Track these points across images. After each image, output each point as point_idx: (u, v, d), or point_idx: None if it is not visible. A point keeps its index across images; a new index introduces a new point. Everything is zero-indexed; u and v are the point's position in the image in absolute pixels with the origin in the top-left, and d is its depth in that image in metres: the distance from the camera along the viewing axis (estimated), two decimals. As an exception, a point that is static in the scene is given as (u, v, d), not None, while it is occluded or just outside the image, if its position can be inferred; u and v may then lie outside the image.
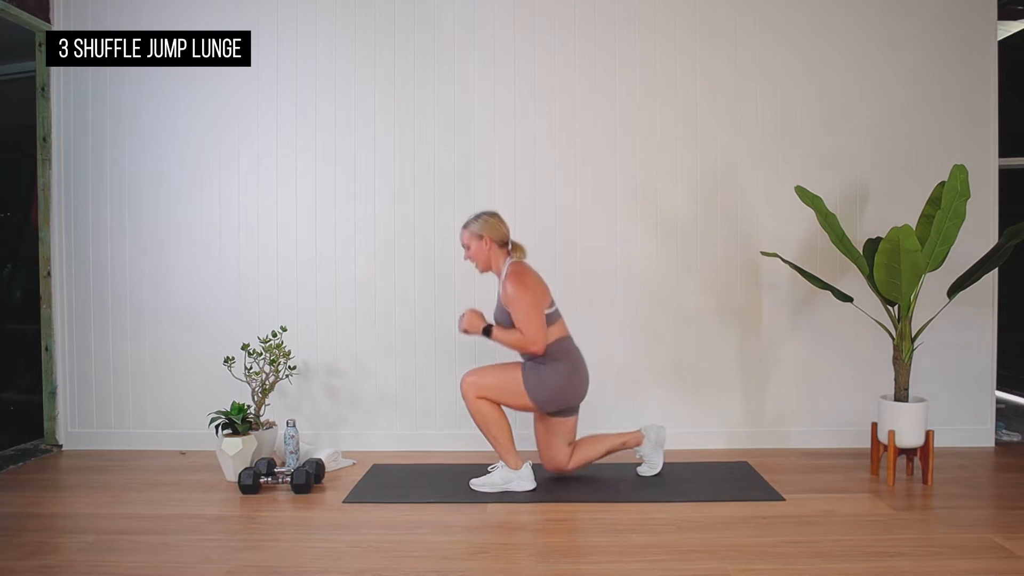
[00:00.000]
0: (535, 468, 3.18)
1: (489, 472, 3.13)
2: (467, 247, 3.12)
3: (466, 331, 3.09)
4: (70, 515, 2.88)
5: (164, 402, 3.83)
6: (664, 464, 3.42)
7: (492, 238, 3.06)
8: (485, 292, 3.77)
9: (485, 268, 3.13)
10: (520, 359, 3.15)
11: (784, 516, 2.80)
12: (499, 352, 3.66)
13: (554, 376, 3.01)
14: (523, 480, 3.09)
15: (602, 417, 3.68)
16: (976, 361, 3.79)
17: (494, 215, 3.12)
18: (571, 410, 3.15)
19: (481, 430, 3.10)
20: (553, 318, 3.04)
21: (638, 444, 3.26)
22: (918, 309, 3.36)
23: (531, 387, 3.00)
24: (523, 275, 3.00)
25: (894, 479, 3.18)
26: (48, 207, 3.84)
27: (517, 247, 3.14)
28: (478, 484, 3.11)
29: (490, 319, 3.15)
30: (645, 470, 3.27)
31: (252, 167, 3.80)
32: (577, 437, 3.24)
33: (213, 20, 3.76)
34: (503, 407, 3.07)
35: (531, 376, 3.02)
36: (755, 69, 3.75)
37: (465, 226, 3.13)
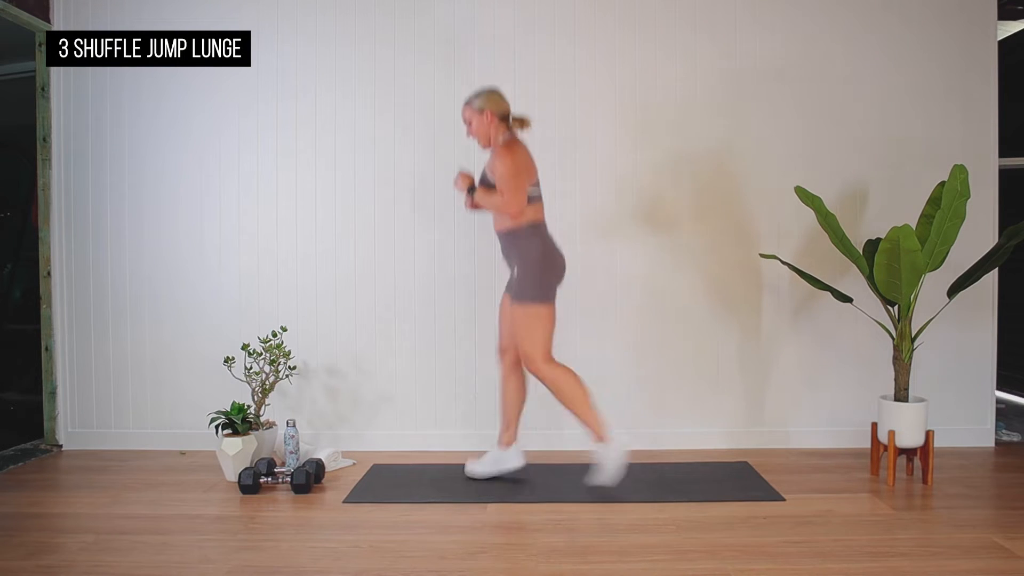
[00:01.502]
0: (540, 469, 3.18)
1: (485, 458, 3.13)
2: (468, 123, 3.12)
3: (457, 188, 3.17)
4: (70, 515, 2.88)
5: (164, 402, 3.83)
6: (664, 464, 3.43)
7: (493, 112, 3.06)
8: (485, 291, 3.77)
9: (486, 144, 3.13)
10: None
11: (784, 516, 2.80)
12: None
13: (529, 260, 2.99)
14: (513, 458, 3.17)
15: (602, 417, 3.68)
16: (976, 361, 3.79)
17: (495, 90, 3.12)
18: (543, 295, 3.03)
19: (565, 405, 3.06)
20: (534, 199, 3.04)
21: (600, 440, 3.03)
22: (918, 309, 3.36)
23: (523, 296, 2.99)
24: (513, 147, 3.01)
25: (894, 479, 3.18)
26: (48, 207, 3.85)
27: (519, 120, 3.13)
28: (471, 471, 3.19)
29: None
30: (478, 467, 3.22)
31: (252, 166, 3.80)
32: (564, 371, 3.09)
33: (213, 20, 3.76)
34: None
35: (517, 292, 3.01)
36: (754, 69, 3.75)
37: (467, 102, 3.12)
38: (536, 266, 3.01)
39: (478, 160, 3.73)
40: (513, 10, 3.75)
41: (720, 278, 3.78)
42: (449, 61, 3.76)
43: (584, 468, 3.25)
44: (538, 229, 3.06)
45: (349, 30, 3.77)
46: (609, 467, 3.03)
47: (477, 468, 3.25)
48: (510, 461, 3.23)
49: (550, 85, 3.75)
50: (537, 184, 3.07)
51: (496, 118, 3.07)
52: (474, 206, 3.21)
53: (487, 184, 3.07)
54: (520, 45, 3.75)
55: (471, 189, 3.11)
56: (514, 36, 3.75)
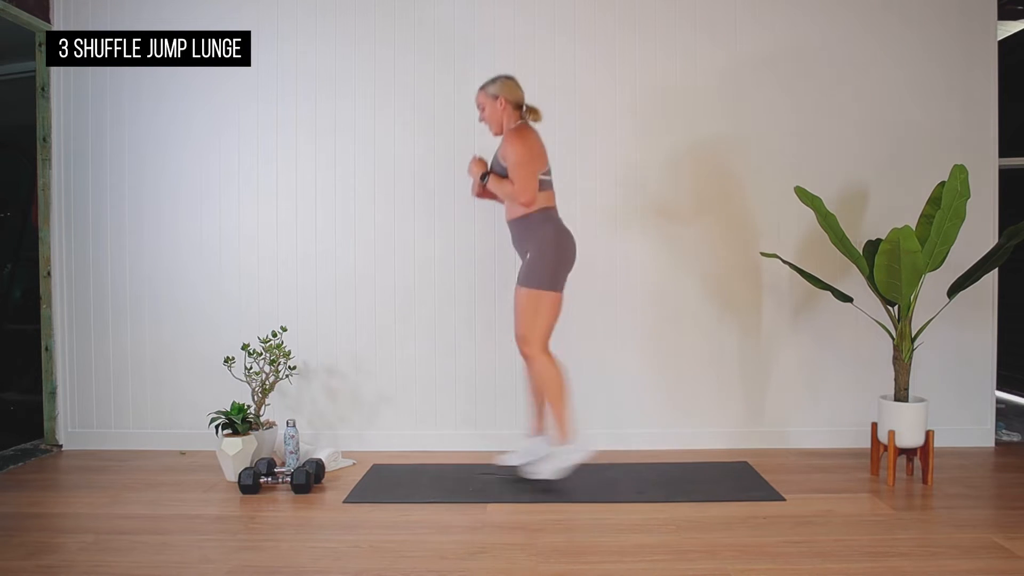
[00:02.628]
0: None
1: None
2: (482, 108, 3.13)
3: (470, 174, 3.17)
4: (70, 515, 2.88)
5: (164, 402, 3.83)
6: (664, 464, 3.43)
7: (507, 99, 3.07)
8: (485, 290, 3.77)
9: (498, 130, 3.13)
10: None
11: (784, 516, 2.80)
12: (499, 349, 3.66)
13: (542, 246, 2.99)
14: (539, 447, 3.15)
15: (603, 417, 3.69)
16: (976, 361, 3.79)
17: (511, 78, 3.12)
18: (552, 283, 3.01)
19: (545, 394, 3.07)
20: (545, 185, 3.05)
21: (562, 440, 3.02)
22: (918, 309, 3.36)
23: (532, 280, 2.98)
24: (524, 133, 3.01)
25: (894, 479, 3.18)
26: (48, 207, 3.84)
27: (532, 110, 3.13)
28: (505, 459, 3.20)
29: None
30: (533, 469, 3.10)
31: (252, 166, 3.80)
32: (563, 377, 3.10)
33: (213, 20, 3.76)
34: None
35: (526, 277, 3.01)
36: (754, 68, 3.75)
37: (482, 87, 3.12)
38: (550, 252, 3.00)
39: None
40: (513, 9, 3.75)
41: (720, 278, 3.78)
42: (449, 60, 3.76)
43: (584, 468, 3.24)
44: (550, 215, 3.06)
45: (349, 30, 3.77)
46: (557, 465, 3.04)
47: (510, 460, 3.24)
48: (539, 449, 3.20)
49: (550, 84, 3.74)
50: (549, 171, 3.08)
51: (510, 105, 3.07)
52: (482, 194, 3.22)
53: (498, 171, 3.07)
54: (520, 44, 3.75)
55: (484, 176, 3.10)
56: (514, 36, 3.75)
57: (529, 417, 3.29)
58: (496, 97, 3.07)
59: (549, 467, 3.07)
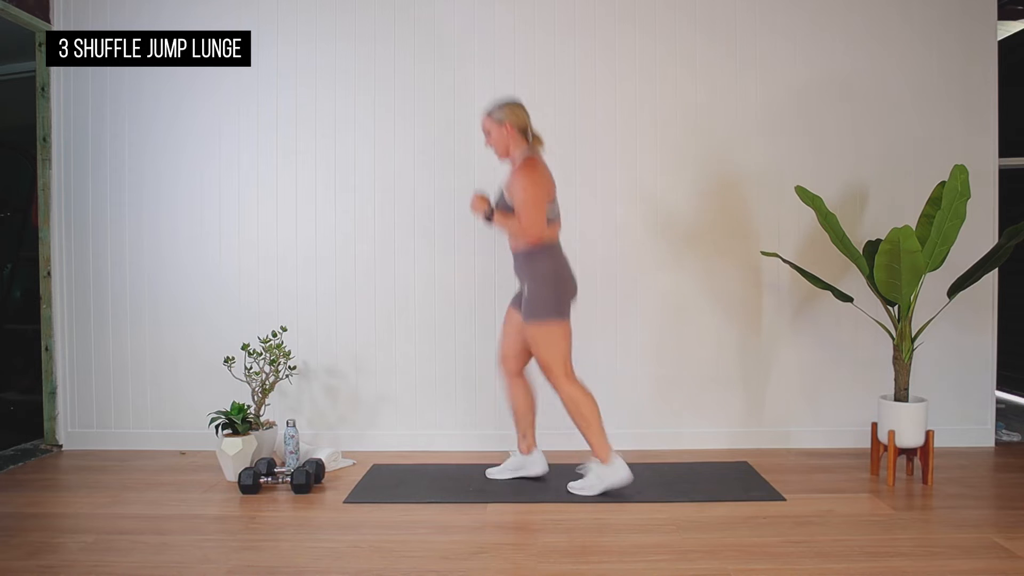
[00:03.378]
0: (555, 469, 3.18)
1: (582, 474, 3.11)
2: (488, 133, 3.11)
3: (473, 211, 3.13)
4: (70, 515, 2.88)
5: (164, 402, 3.83)
6: (665, 464, 3.43)
7: (513, 125, 3.05)
8: (485, 290, 3.77)
9: (504, 155, 3.11)
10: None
11: (784, 516, 2.80)
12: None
13: (543, 280, 2.99)
14: (535, 465, 3.19)
15: (602, 417, 3.68)
16: (976, 361, 3.79)
17: (517, 103, 3.11)
18: (557, 312, 3.01)
19: (509, 406, 3.16)
20: (552, 219, 3.03)
21: (602, 459, 3.03)
22: (918, 309, 3.36)
23: (539, 313, 2.97)
24: (532, 168, 2.99)
25: (894, 479, 3.18)
26: (48, 207, 3.84)
27: (537, 138, 3.12)
28: (493, 472, 3.24)
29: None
30: (579, 487, 3.06)
31: (252, 165, 3.80)
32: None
33: (213, 20, 3.76)
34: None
35: (531, 311, 2.99)
36: (755, 68, 3.75)
37: (488, 113, 3.10)
38: (546, 285, 2.99)
39: (478, 157, 3.74)
40: (513, 9, 3.75)
41: (720, 278, 3.78)
42: (449, 59, 3.76)
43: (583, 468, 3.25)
44: (552, 250, 3.04)
45: (349, 29, 3.76)
46: (595, 483, 3.03)
47: (498, 475, 3.26)
48: (533, 467, 3.22)
49: (552, 84, 3.75)
50: (555, 201, 3.06)
51: (516, 131, 3.05)
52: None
53: (505, 203, 3.05)
54: (521, 43, 3.75)
55: (488, 215, 3.05)
56: (514, 35, 3.75)
57: (518, 437, 3.25)
58: (502, 123, 3.05)
59: (595, 485, 3.04)
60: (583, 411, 3.01)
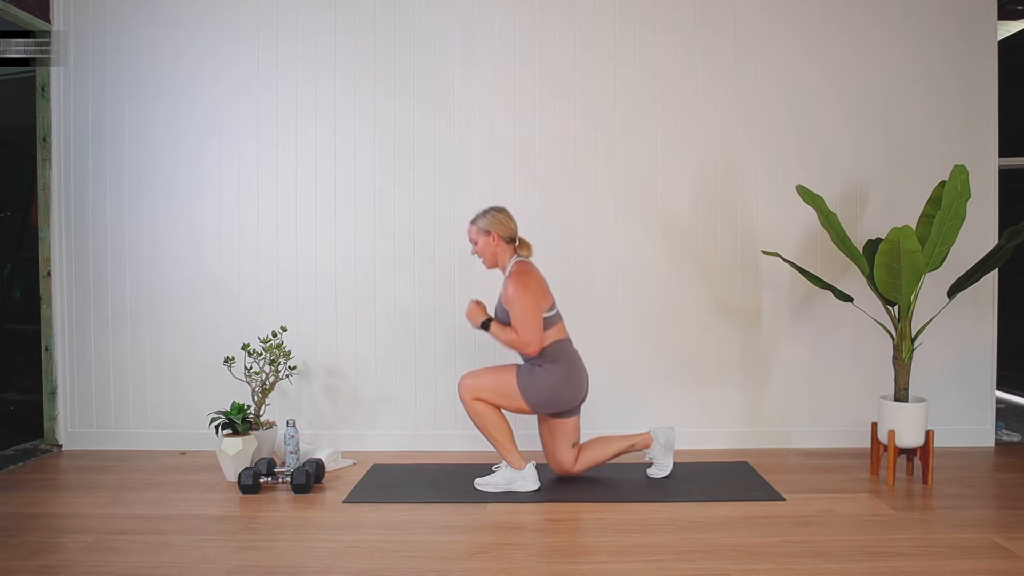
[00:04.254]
0: (541, 468, 3.19)
1: (493, 472, 3.14)
2: (474, 242, 3.11)
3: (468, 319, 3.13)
4: (70, 515, 2.88)
5: (164, 402, 3.83)
6: (665, 464, 3.44)
7: (499, 234, 3.06)
8: (484, 291, 3.77)
9: (492, 264, 3.13)
10: (518, 359, 3.15)
11: (784, 516, 2.80)
12: (499, 352, 3.67)
13: (548, 378, 3.01)
14: (526, 480, 3.08)
15: (602, 418, 3.68)
16: (976, 361, 3.79)
17: (502, 211, 3.11)
18: (570, 412, 3.14)
19: (481, 431, 3.10)
20: (552, 321, 3.04)
21: (647, 446, 3.24)
22: (918, 309, 3.36)
23: (525, 389, 3.00)
24: (525, 276, 2.99)
25: (894, 479, 3.18)
26: (48, 207, 3.84)
27: (524, 244, 3.13)
28: (482, 484, 3.12)
29: (492, 313, 3.15)
30: (655, 472, 3.23)
31: (252, 164, 3.80)
32: (583, 439, 3.23)
33: (213, 15, 3.76)
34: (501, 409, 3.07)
35: (525, 378, 3.01)
36: (755, 68, 3.75)
37: (473, 221, 3.12)
38: (554, 388, 3.01)
39: (480, 156, 3.74)
40: (513, 3, 3.74)
41: (720, 278, 3.78)
42: (449, 58, 3.75)
43: (591, 469, 3.25)
44: (562, 348, 3.05)
45: (349, 24, 3.76)
46: (666, 455, 3.22)
47: (489, 485, 3.13)
48: (525, 484, 3.11)
49: (548, 72, 3.74)
50: (553, 306, 3.05)
51: (502, 239, 3.06)
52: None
53: (502, 317, 3.06)
54: (520, 42, 3.75)
55: (485, 324, 3.06)
56: (515, 32, 3.75)
57: (502, 454, 3.17)
58: (488, 232, 3.05)
59: (664, 463, 3.24)
60: (605, 459, 3.24)
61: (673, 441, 3.26)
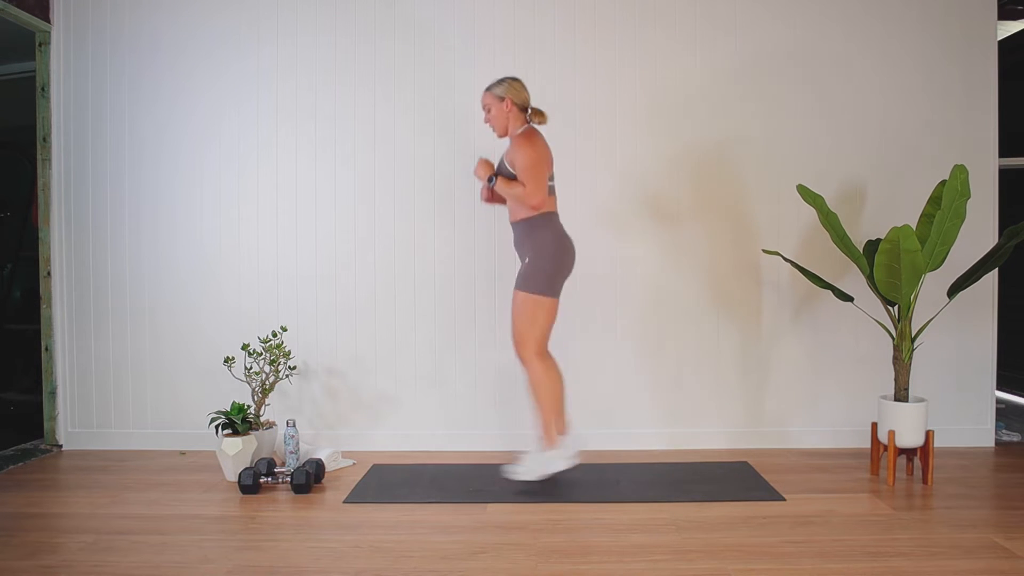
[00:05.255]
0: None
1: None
2: (487, 109, 3.10)
3: (477, 175, 3.15)
4: (70, 515, 2.88)
5: (164, 402, 3.83)
6: (665, 464, 3.42)
7: (513, 101, 3.05)
8: (485, 290, 3.77)
9: (503, 132, 3.11)
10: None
11: (784, 516, 2.80)
12: (500, 354, 3.66)
13: (542, 256, 2.99)
14: (557, 460, 3.03)
15: (602, 417, 3.68)
16: (976, 361, 3.79)
17: (517, 79, 3.11)
18: (549, 288, 3.01)
19: (534, 395, 3.05)
20: (550, 191, 3.05)
21: (550, 443, 3.02)
22: (918, 309, 3.36)
23: (532, 286, 2.97)
24: (532, 137, 3.01)
25: (894, 479, 3.18)
26: (48, 207, 3.85)
27: (537, 112, 3.12)
28: (518, 474, 3.07)
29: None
30: (516, 470, 3.04)
31: (252, 163, 3.80)
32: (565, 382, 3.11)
33: (212, 13, 3.76)
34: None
35: (527, 280, 2.99)
36: (755, 68, 3.75)
37: (487, 89, 3.10)
38: (548, 258, 3.00)
39: (479, 154, 3.73)
40: (513, 1, 3.75)
41: (720, 277, 3.78)
42: (449, 57, 3.76)
43: (584, 468, 3.25)
44: (552, 219, 3.06)
45: (349, 24, 3.76)
46: (537, 468, 3.03)
47: (525, 476, 3.10)
48: (556, 463, 3.07)
49: (549, 75, 3.74)
50: (553, 176, 3.08)
51: (515, 107, 3.06)
52: (491, 199, 3.22)
53: (506, 171, 3.06)
54: (522, 34, 3.75)
55: (491, 178, 3.08)
56: (515, 31, 3.75)
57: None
58: (502, 99, 3.05)
59: (528, 469, 3.06)
60: (546, 391, 3.01)
61: (556, 468, 3.04)
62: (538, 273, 3.00)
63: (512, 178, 3.02)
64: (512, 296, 3.07)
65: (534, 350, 3.02)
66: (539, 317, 3.00)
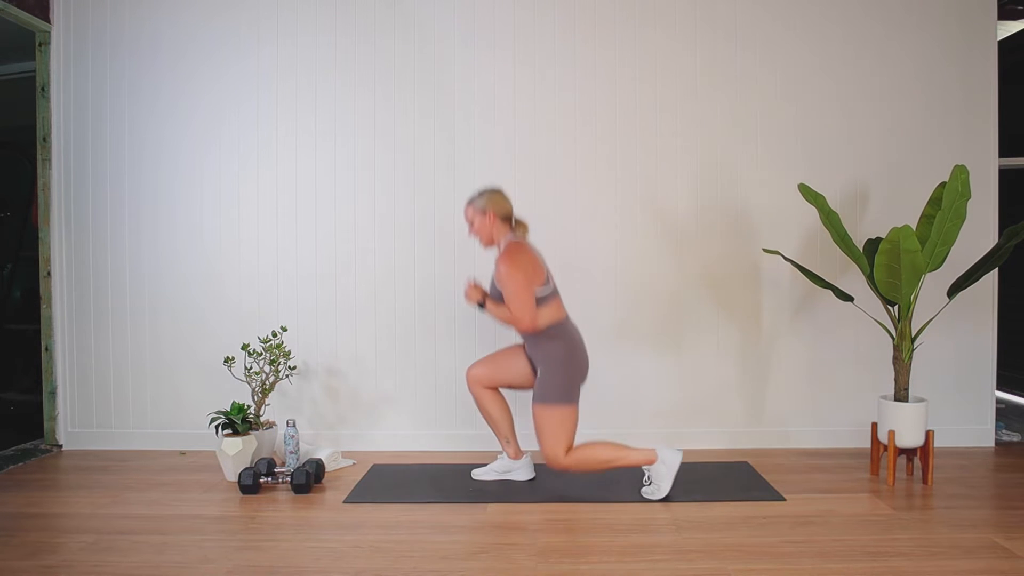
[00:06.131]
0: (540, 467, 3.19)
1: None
2: (471, 222, 3.10)
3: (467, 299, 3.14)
4: (70, 515, 2.88)
5: (164, 402, 3.84)
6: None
7: (496, 213, 3.04)
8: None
9: (488, 243, 3.11)
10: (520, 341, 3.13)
11: (784, 516, 2.80)
12: (499, 348, 3.66)
13: (553, 358, 2.97)
14: (522, 470, 3.19)
15: (602, 418, 3.68)
16: (976, 361, 3.79)
17: (497, 191, 3.10)
18: (568, 397, 3.02)
19: (484, 418, 3.21)
20: (549, 299, 2.99)
21: (650, 463, 3.02)
22: (918, 309, 3.36)
23: (550, 395, 2.95)
24: (516, 254, 2.96)
25: (894, 479, 3.18)
26: (48, 207, 3.85)
27: (520, 224, 3.12)
28: (479, 473, 3.24)
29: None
30: (651, 493, 3.02)
31: (252, 163, 3.80)
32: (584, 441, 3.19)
33: (212, 13, 3.76)
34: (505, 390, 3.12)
35: (544, 390, 2.97)
36: (756, 68, 3.75)
37: (469, 202, 3.10)
38: (560, 371, 2.97)
39: (479, 154, 3.74)
40: (513, 1, 3.75)
41: (720, 278, 3.78)
42: (449, 56, 3.75)
43: (586, 472, 3.24)
44: (558, 329, 3.01)
45: (349, 24, 3.76)
46: (661, 484, 3.02)
47: (483, 475, 3.27)
48: (520, 472, 3.24)
49: (550, 79, 3.75)
50: (549, 281, 3.01)
51: (498, 219, 3.04)
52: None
53: (497, 291, 3.04)
54: (522, 33, 3.75)
55: (481, 304, 3.06)
56: (515, 31, 3.75)
57: (501, 443, 3.24)
58: (484, 211, 3.04)
59: (662, 486, 3.02)
60: (598, 461, 2.98)
61: (677, 465, 3.03)
62: (554, 387, 2.96)
63: (501, 298, 3.00)
64: (532, 411, 3.01)
65: (562, 454, 2.96)
66: (562, 428, 2.96)
